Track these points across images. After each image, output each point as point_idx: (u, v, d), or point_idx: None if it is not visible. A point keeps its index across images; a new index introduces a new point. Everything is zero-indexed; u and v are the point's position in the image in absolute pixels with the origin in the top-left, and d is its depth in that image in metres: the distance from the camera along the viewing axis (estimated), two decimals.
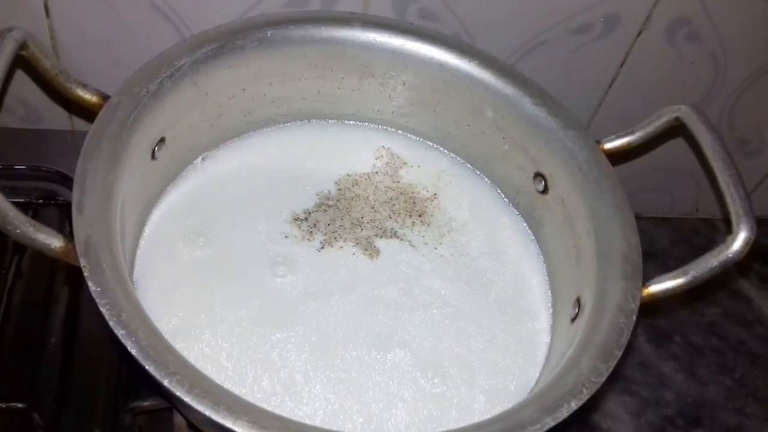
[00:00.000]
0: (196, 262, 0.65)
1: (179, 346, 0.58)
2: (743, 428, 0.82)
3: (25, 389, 0.64)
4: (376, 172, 0.76)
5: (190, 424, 0.64)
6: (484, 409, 0.61)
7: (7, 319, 0.67)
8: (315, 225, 0.70)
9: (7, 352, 0.66)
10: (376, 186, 0.74)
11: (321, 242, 0.69)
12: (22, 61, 0.59)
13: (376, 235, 0.70)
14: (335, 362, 0.61)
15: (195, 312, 0.62)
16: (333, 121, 0.78)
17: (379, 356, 0.62)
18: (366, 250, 0.69)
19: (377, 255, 0.69)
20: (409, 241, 0.71)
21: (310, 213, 0.71)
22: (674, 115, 0.64)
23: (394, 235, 0.71)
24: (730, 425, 0.82)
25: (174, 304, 0.62)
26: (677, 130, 0.65)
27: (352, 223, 0.70)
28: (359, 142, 0.78)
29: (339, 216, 0.71)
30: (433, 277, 0.69)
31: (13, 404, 0.62)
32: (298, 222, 0.69)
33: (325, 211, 0.71)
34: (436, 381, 0.62)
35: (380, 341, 0.63)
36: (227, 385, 0.52)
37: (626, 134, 0.67)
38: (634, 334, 0.87)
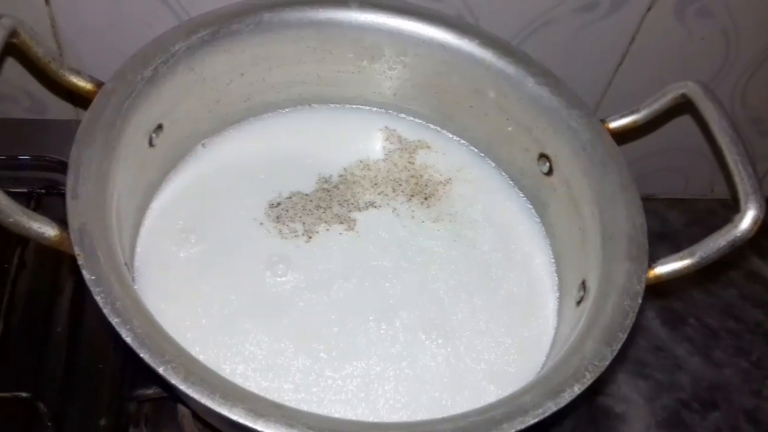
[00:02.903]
0: (194, 259, 0.64)
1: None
2: (760, 411, 0.81)
3: (30, 379, 0.64)
4: (391, 153, 0.75)
5: (193, 412, 0.64)
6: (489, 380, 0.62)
7: (11, 310, 0.68)
8: (278, 218, 0.68)
9: (12, 342, 0.66)
10: (394, 164, 0.74)
11: (304, 231, 0.68)
12: (18, 51, 0.59)
13: (350, 211, 0.70)
14: (370, 346, 0.62)
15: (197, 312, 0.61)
16: (335, 105, 0.77)
17: (399, 323, 0.63)
18: (342, 223, 0.69)
19: (355, 224, 0.69)
20: (393, 209, 0.71)
21: (285, 199, 0.69)
22: (680, 91, 0.63)
23: (372, 205, 0.71)
24: (747, 408, 0.81)
25: (172, 295, 0.61)
26: (684, 107, 0.64)
27: (317, 206, 0.69)
28: (364, 125, 0.77)
29: (310, 200, 0.70)
30: (424, 237, 0.69)
31: (18, 393, 0.63)
32: (272, 209, 0.69)
33: (306, 194, 0.70)
34: (440, 341, 0.63)
35: (391, 310, 0.64)
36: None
37: (631, 113, 0.66)
38: (645, 316, 0.87)
